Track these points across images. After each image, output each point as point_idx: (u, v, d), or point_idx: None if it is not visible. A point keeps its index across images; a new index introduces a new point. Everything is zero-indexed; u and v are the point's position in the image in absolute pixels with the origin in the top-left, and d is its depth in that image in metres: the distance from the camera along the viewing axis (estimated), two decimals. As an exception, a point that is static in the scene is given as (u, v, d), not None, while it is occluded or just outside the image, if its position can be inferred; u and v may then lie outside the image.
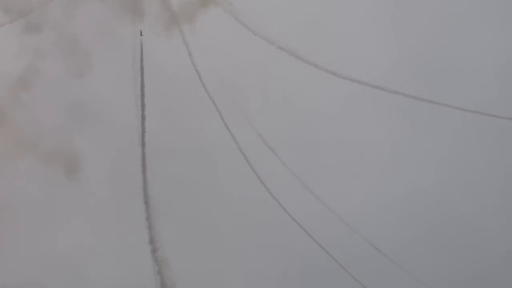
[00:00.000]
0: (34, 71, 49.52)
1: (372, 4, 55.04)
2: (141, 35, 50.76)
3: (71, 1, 49.63)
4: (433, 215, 55.89)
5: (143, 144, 51.32)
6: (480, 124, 52.69)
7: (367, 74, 51.69)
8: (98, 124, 52.26)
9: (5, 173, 49.99)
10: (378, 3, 55.12)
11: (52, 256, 51.36)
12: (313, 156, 54.24)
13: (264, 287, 55.39)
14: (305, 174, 52.22)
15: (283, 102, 53.98)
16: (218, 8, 50.27)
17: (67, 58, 50.04)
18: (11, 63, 49.01)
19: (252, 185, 52.71)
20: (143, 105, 51.25)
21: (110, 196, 52.15)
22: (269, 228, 54.30)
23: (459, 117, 51.77)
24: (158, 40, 50.79)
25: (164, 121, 54.00)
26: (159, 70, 51.61)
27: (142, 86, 50.81)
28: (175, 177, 55.54)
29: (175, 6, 50.56)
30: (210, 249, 55.26)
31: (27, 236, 51.35)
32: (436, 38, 55.49)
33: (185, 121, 54.72)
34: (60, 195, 51.65)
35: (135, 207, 50.11)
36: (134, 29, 50.60)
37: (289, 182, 52.04)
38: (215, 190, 56.78)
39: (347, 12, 54.61)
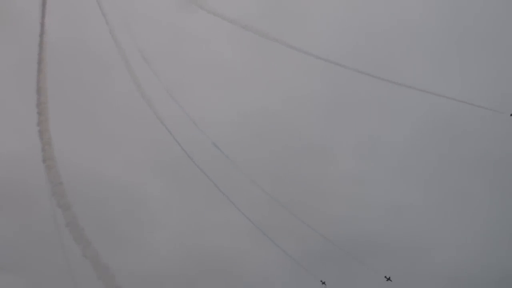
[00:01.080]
0: None
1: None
2: None
3: None
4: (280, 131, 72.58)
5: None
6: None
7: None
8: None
9: None
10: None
11: None
12: (184, 70, 67.33)
13: (135, 171, 70.81)
14: (176, 86, 64.65)
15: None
16: None
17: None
18: None
19: (133, 89, 64.58)
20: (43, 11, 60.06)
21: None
22: (144, 124, 67.20)
23: (300, 56, 64.87)
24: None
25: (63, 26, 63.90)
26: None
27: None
28: (69, 75, 67.44)
29: None
30: (93, 136, 68.66)
31: None
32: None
33: (78, 27, 65.37)
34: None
35: (28, 95, 60.46)
36: None
37: (161, 91, 64.41)
38: (104, 89, 69.46)
39: None
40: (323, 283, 65.98)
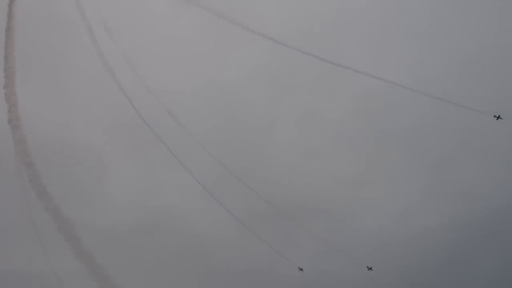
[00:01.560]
0: None
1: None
2: None
3: None
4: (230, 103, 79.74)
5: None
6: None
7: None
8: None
9: None
10: None
11: None
12: (144, 43, 73.44)
13: (96, 133, 77.10)
14: (136, 57, 70.34)
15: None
16: None
17: None
18: None
19: (96, 58, 69.96)
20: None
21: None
22: (106, 91, 72.79)
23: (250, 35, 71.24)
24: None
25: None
26: None
27: None
28: (36, 43, 72.78)
29: None
30: (57, 100, 74.59)
31: None
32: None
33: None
34: None
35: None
36: None
37: (122, 60, 69.96)
38: (69, 56, 75.30)
39: None
40: (301, 269, 73.45)
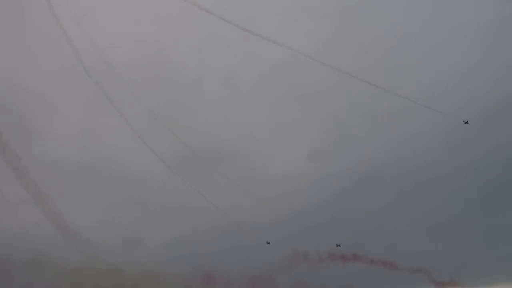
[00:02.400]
0: None
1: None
2: None
3: None
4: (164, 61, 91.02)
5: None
6: None
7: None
8: None
9: None
10: None
11: None
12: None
13: (45, 80, 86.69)
14: (84, 12, 79.43)
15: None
16: None
17: None
18: None
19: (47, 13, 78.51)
20: None
21: None
22: (54, 43, 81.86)
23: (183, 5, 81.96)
24: None
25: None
26: None
27: None
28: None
29: None
30: (11, 50, 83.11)
31: None
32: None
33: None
34: None
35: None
36: None
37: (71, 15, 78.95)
38: (21, 7, 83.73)
39: None
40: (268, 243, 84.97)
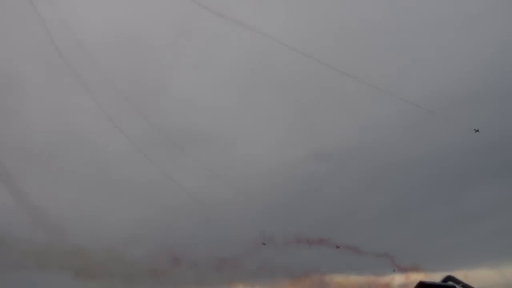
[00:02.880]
0: None
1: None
2: None
3: None
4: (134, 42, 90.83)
5: None
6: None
7: None
8: None
9: None
10: None
11: None
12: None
13: (19, 58, 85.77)
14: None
15: None
16: None
17: None
18: None
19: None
20: None
21: None
22: (25, 23, 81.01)
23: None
24: None
25: None
26: None
27: None
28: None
29: None
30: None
31: None
32: None
33: None
34: None
35: None
36: None
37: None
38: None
39: None
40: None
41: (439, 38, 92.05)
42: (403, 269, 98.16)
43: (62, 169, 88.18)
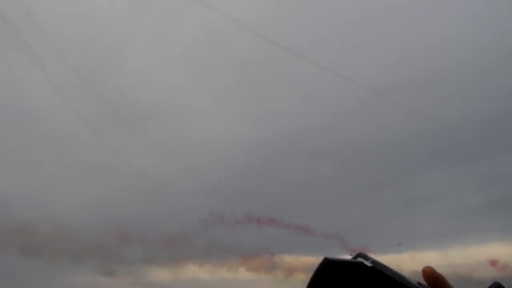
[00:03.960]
0: None
1: None
2: None
3: None
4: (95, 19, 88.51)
5: None
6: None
7: None
8: None
9: None
10: None
11: None
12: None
13: None
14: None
15: None
16: None
17: None
18: None
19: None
20: None
21: None
22: None
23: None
24: None
25: None
26: None
27: None
28: None
29: None
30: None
31: None
32: None
33: None
34: None
35: None
36: None
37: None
38: None
39: None
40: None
41: (392, 24, 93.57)
42: (353, 250, 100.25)
43: (10, 144, 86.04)
